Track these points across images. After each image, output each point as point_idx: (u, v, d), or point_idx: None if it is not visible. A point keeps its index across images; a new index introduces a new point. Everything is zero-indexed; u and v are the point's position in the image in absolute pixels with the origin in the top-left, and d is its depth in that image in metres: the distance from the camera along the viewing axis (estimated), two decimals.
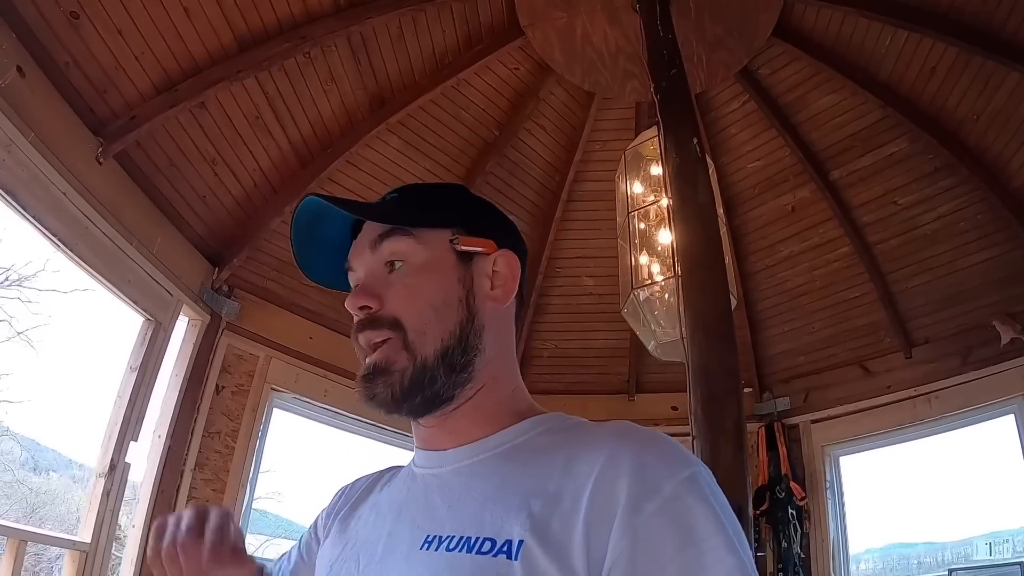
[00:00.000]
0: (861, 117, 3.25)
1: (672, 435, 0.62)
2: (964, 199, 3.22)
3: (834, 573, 3.45)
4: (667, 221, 2.56)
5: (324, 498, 0.83)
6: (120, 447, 2.58)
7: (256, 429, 3.16)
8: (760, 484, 3.65)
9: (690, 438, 1.92)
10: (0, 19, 2.00)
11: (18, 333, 7.47)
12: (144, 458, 2.78)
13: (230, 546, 0.70)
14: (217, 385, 3.06)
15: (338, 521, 0.76)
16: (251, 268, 3.27)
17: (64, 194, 2.28)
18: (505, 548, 0.55)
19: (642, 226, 2.87)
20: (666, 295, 2.65)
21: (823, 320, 3.78)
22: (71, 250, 2.35)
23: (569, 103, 3.51)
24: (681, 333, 2.12)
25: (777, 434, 3.76)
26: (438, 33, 3.02)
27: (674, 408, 3.80)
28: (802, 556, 3.46)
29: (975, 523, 3.48)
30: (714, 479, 0.58)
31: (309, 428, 3.59)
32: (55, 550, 4.66)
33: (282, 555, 0.84)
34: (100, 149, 2.42)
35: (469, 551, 0.56)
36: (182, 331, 3.03)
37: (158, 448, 2.80)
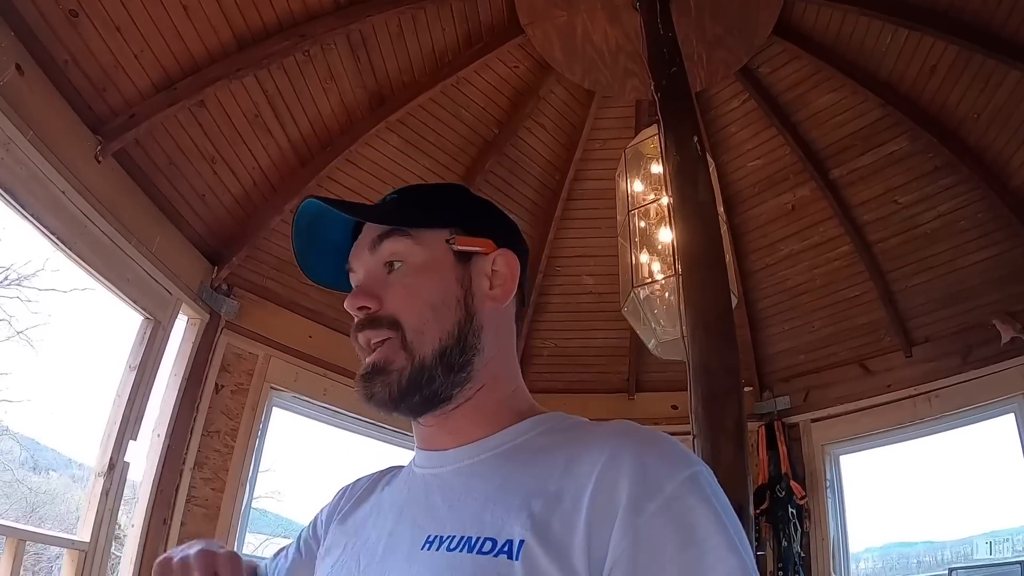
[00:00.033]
0: (861, 116, 3.25)
1: (672, 434, 0.62)
2: (964, 198, 3.21)
3: (834, 572, 3.45)
4: (667, 219, 2.56)
5: (324, 497, 0.83)
6: (119, 446, 2.58)
7: (255, 428, 3.16)
8: (760, 483, 3.65)
9: (691, 437, 1.92)
10: None
11: (18, 332, 7.47)
12: (143, 457, 2.78)
13: None
14: (216, 384, 3.06)
15: (338, 521, 0.76)
16: (250, 267, 3.26)
17: (63, 192, 2.28)
18: (506, 548, 0.55)
19: (642, 224, 2.87)
20: (666, 293, 2.65)
21: (823, 319, 3.78)
22: (70, 249, 2.35)
23: (569, 101, 3.51)
24: (681, 332, 2.12)
25: (777, 433, 3.76)
26: (438, 31, 3.02)
27: (674, 407, 3.80)
28: (802, 555, 3.46)
29: (975, 522, 3.48)
30: (715, 479, 0.58)
31: (309, 427, 3.59)
32: (54, 549, 4.65)
33: (278, 552, 0.83)
34: (99, 147, 2.41)
35: (470, 551, 0.56)
36: (181, 330, 3.03)
37: (157, 447, 2.79)
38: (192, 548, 0.65)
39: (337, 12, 2.71)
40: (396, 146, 3.36)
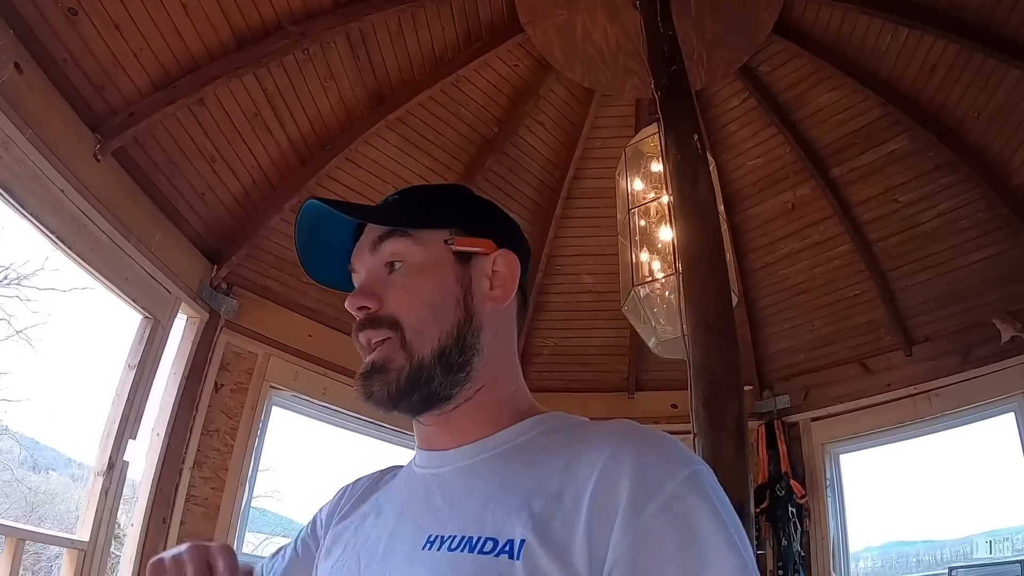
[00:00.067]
0: (861, 114, 3.25)
1: (673, 433, 0.63)
2: (964, 197, 3.21)
3: (834, 571, 3.45)
4: (667, 218, 2.56)
5: (323, 496, 0.83)
6: (119, 445, 2.58)
7: (255, 427, 3.16)
8: (760, 482, 3.65)
9: (691, 436, 1.92)
10: None
11: (17, 332, 7.46)
12: (143, 456, 2.78)
13: None
14: (216, 383, 3.06)
15: (338, 521, 0.76)
16: (250, 266, 3.26)
17: (62, 191, 2.27)
18: (507, 548, 0.55)
19: (642, 223, 2.87)
20: (667, 292, 2.65)
21: (823, 318, 3.78)
22: (69, 248, 2.35)
23: (569, 100, 3.51)
24: (682, 330, 2.12)
25: (777, 432, 3.76)
26: (437, 30, 3.02)
27: (674, 406, 3.80)
28: (802, 554, 3.46)
29: (975, 521, 3.48)
30: (715, 478, 0.58)
31: (308, 426, 3.59)
32: (54, 549, 4.65)
33: (276, 552, 0.83)
34: (98, 146, 2.41)
35: (471, 551, 0.56)
36: (181, 329, 3.02)
37: (157, 446, 2.79)
38: (184, 545, 0.65)
39: (336, 10, 2.71)
40: (396, 145, 3.36)
